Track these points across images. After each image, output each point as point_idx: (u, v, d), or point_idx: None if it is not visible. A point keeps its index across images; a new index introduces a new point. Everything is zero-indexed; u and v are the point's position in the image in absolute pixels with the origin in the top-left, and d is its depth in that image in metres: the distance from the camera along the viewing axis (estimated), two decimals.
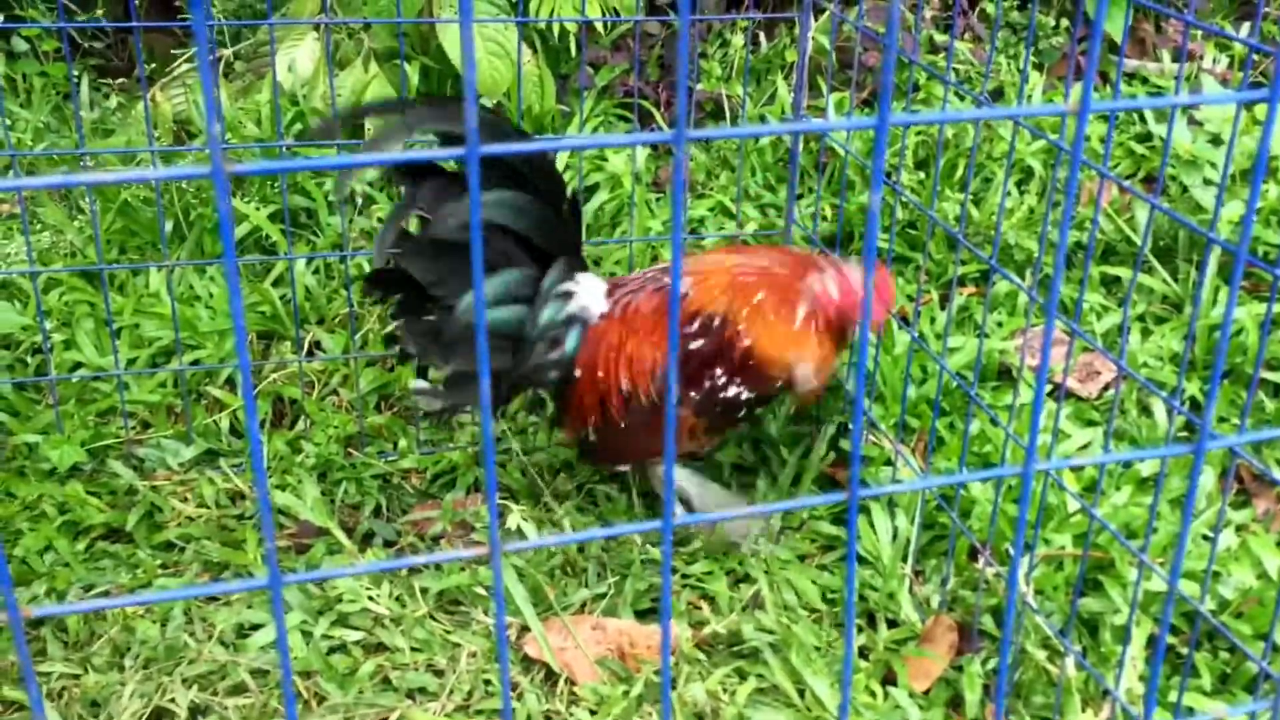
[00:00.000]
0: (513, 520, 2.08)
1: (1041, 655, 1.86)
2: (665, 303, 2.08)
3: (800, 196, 3.34)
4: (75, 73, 3.69)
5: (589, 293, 2.12)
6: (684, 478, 2.25)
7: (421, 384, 2.10)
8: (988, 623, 1.99)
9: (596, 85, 3.65)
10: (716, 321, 2.06)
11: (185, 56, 3.38)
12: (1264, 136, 0.81)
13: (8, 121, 3.42)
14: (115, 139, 3.30)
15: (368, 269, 2.62)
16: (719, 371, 2.06)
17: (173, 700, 1.84)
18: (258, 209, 2.90)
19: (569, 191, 2.04)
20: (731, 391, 2.07)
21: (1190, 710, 1.80)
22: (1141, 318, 2.79)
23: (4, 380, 2.46)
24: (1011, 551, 1.94)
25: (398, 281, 2.01)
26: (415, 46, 3.25)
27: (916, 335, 2.21)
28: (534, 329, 2.07)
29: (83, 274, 2.81)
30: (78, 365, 2.63)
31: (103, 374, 2.53)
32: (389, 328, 2.10)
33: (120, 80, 3.87)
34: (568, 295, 2.10)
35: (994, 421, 2.17)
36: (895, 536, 2.14)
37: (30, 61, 3.72)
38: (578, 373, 2.11)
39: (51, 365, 2.50)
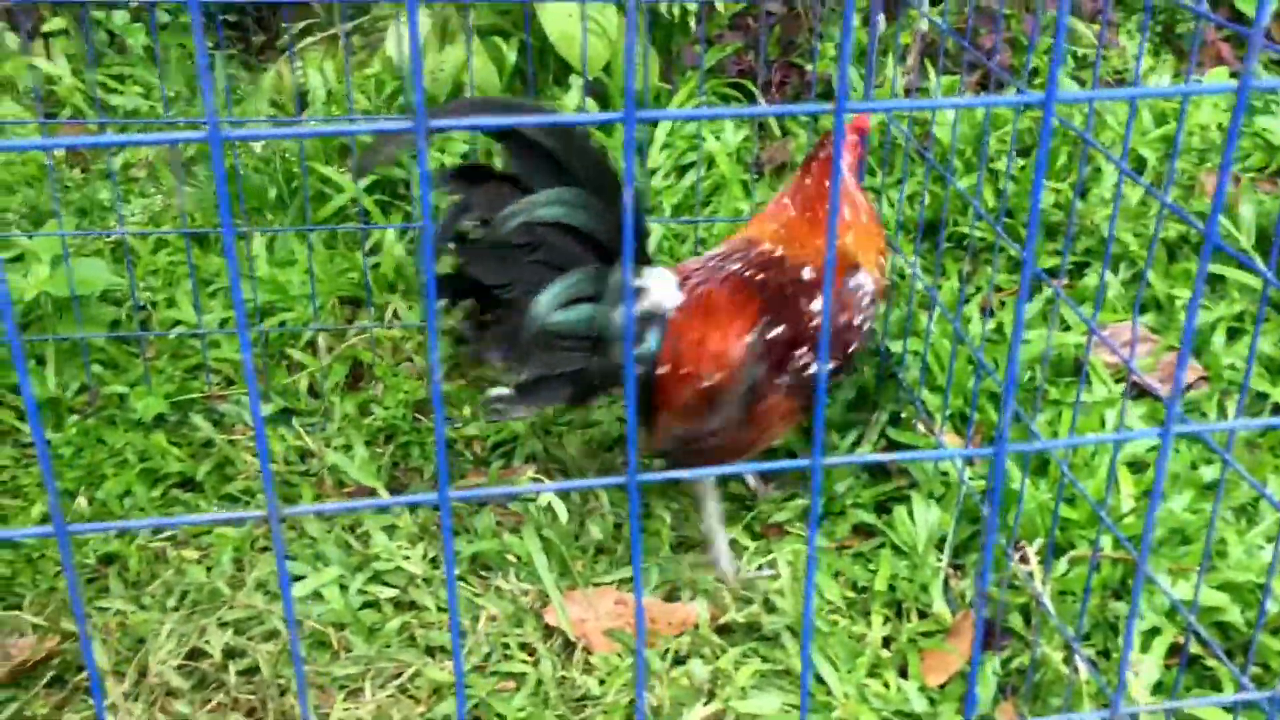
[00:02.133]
0: (544, 497, 2.12)
1: (1058, 657, 1.81)
2: (738, 290, 2.05)
3: (900, 181, 3.28)
4: (208, 44, 3.88)
5: (660, 286, 2.06)
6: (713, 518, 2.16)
7: (501, 390, 2.07)
8: (1015, 621, 1.94)
9: (705, 64, 3.64)
10: (791, 298, 2.05)
11: (299, 29, 3.51)
12: None
13: (141, 90, 3.63)
14: (242, 108, 3.46)
15: None
16: (803, 350, 2.03)
17: (208, 642, 1.94)
18: (354, 180, 3.00)
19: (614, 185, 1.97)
20: (815, 366, 2.03)
21: None
22: (1240, 317, 2.66)
23: (102, 334, 2.62)
24: (1035, 549, 1.89)
25: (466, 288, 1.99)
26: (516, 24, 3.30)
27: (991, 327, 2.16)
28: (612, 328, 2.01)
29: (188, 235, 2.96)
30: (177, 323, 2.78)
31: (191, 332, 2.67)
32: (455, 325, 2.08)
33: (257, 50, 4.05)
34: (639, 291, 2.05)
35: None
36: (939, 531, 2.10)
37: (173, 33, 3.93)
38: (661, 370, 2.05)
39: (152, 323, 2.65)
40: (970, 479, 2.19)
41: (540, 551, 2.04)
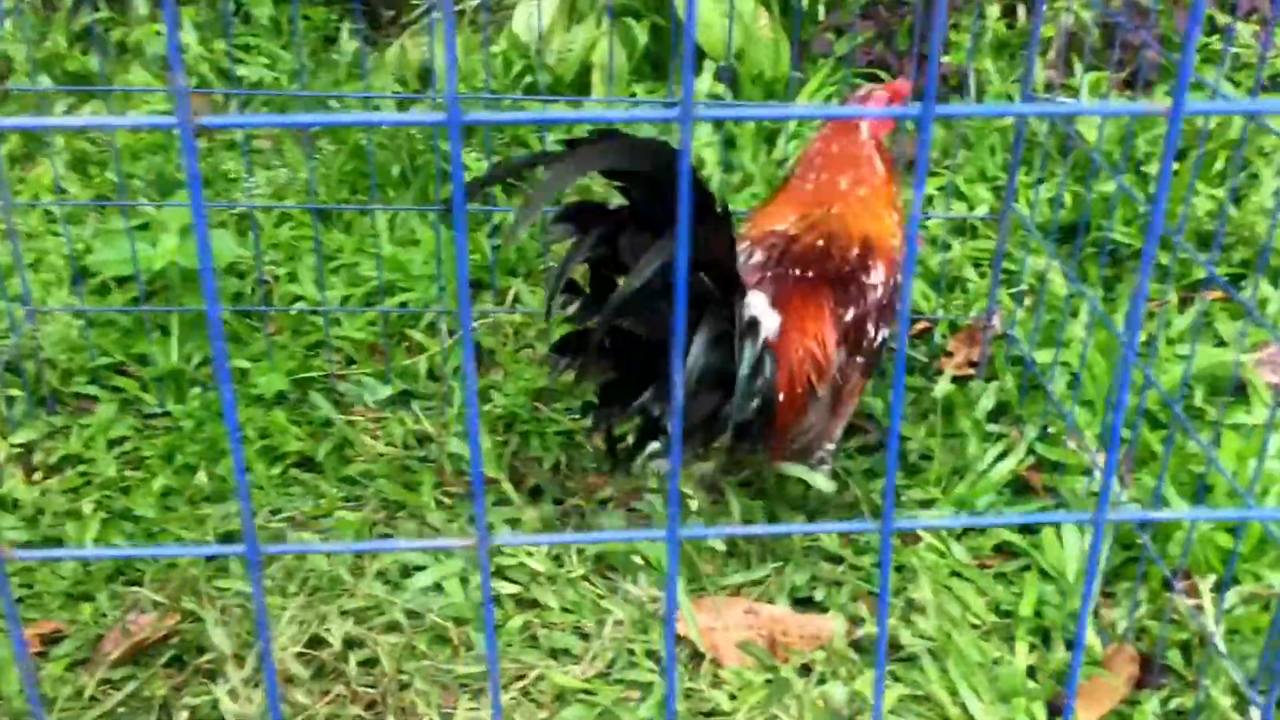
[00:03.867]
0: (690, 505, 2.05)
1: (1227, 703, 1.68)
2: (809, 293, 2.03)
3: (1041, 181, 3.15)
4: (335, 17, 3.85)
5: (762, 312, 1.99)
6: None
7: (655, 446, 1.99)
8: (1174, 658, 1.82)
9: (835, 52, 3.53)
10: (850, 277, 2.05)
11: (425, 7, 3.46)
12: None
13: (267, 61, 3.61)
14: (367, 83, 3.43)
15: None
16: (870, 327, 2.05)
17: (328, 630, 1.90)
18: (479, 159, 2.95)
19: (720, 208, 1.86)
20: (881, 336, 2.08)
21: None
22: None
23: (226, 307, 2.59)
24: (1207, 583, 1.77)
25: (599, 348, 1.86)
26: (649, 5, 3.22)
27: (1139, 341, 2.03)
28: (745, 366, 1.92)
29: (312, 210, 2.93)
30: (298, 298, 2.75)
31: (314, 309, 2.63)
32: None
33: (385, 25, 4.02)
34: (755, 323, 1.96)
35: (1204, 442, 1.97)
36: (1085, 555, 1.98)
37: (300, 3, 3.91)
38: (781, 396, 1.98)
39: (273, 297, 2.63)
40: (1126, 500, 2.07)
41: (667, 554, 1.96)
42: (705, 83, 3.18)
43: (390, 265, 2.75)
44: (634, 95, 3.29)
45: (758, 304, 2.00)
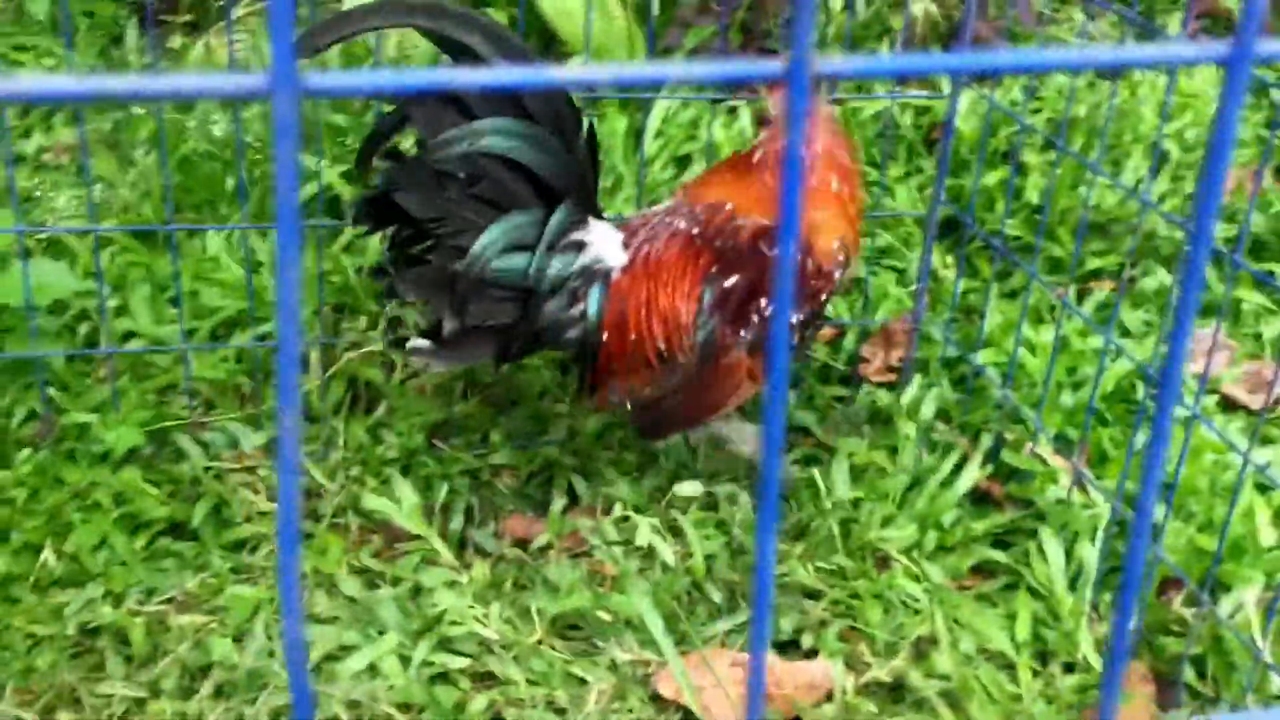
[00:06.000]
0: (643, 536, 1.82)
1: None
2: (686, 248, 1.92)
3: (908, 175, 3.07)
4: (124, 14, 3.41)
5: (604, 242, 1.92)
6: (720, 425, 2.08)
7: (419, 343, 1.89)
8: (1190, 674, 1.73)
9: (685, 46, 3.36)
10: (746, 246, 1.91)
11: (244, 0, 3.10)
12: None
13: (51, 63, 3.16)
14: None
15: None
16: (764, 301, 1.90)
17: None
18: (329, 166, 2.62)
19: (584, 124, 1.86)
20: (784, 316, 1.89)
21: None
22: None
23: (55, 351, 2.19)
24: (1203, 589, 1.68)
25: (396, 213, 1.81)
26: None
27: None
28: (543, 282, 1.86)
29: (135, 234, 2.54)
30: (130, 335, 2.36)
31: (164, 348, 2.26)
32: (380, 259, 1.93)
33: (179, 19, 3.59)
34: (579, 245, 1.89)
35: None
36: (1074, 568, 1.87)
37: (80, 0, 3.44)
38: (605, 335, 1.90)
39: (105, 335, 2.24)
40: (1083, 507, 1.98)
41: (650, 609, 1.73)
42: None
43: (242, 293, 2.39)
44: None
45: (604, 235, 1.92)
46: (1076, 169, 2.94)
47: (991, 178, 2.87)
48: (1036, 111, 3.07)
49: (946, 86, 3.11)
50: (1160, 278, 2.61)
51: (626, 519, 1.92)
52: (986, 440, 2.09)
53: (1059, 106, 3.04)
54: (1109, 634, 1.82)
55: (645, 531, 1.84)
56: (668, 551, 1.84)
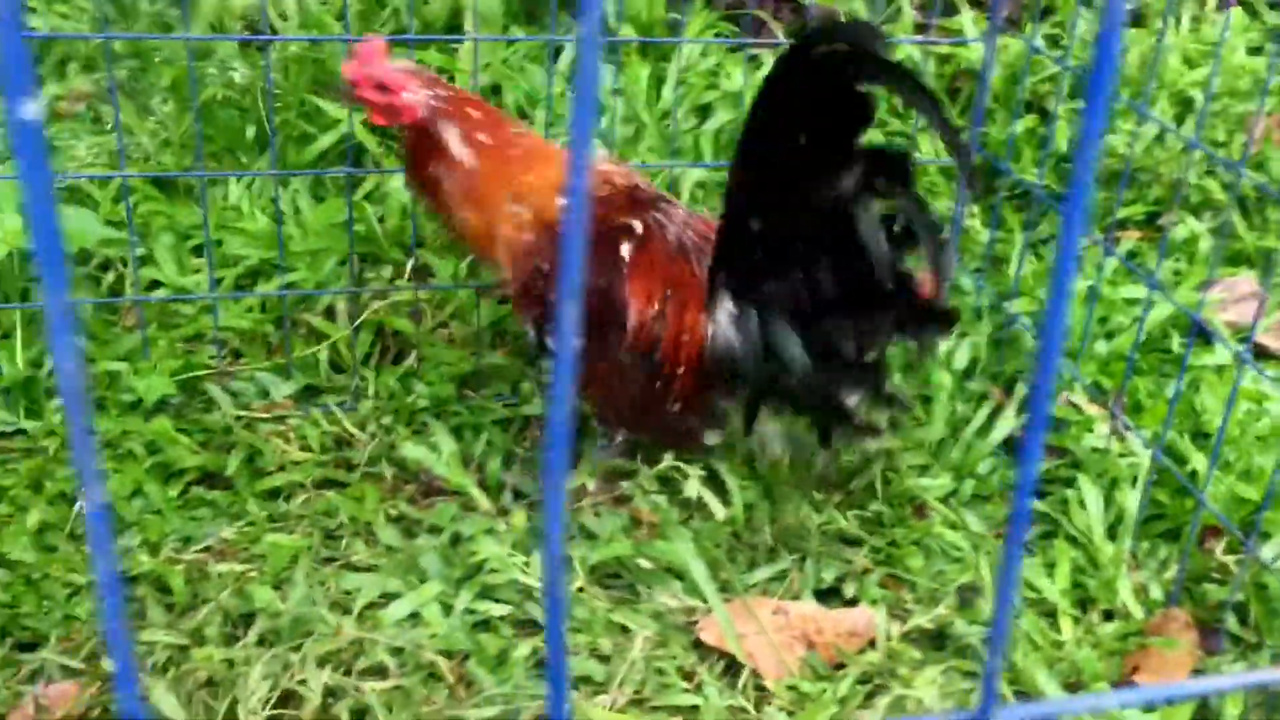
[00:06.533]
0: (691, 488, 1.81)
1: None
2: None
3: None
4: None
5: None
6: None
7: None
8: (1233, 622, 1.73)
9: None
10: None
11: None
12: None
13: (65, 11, 3.11)
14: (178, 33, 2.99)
15: None
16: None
17: (303, 682, 1.58)
18: (349, 113, 2.59)
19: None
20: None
21: None
22: None
23: (83, 299, 2.17)
24: (1245, 536, 1.68)
25: None
26: None
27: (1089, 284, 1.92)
28: None
29: (156, 182, 2.51)
30: (155, 284, 2.34)
31: (191, 296, 2.24)
32: None
33: None
34: None
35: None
36: (1113, 515, 1.87)
37: None
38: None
39: (133, 284, 2.22)
40: (1120, 455, 1.97)
41: (694, 557, 1.73)
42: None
43: (267, 242, 2.37)
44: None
45: None
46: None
47: (1018, 126, 2.84)
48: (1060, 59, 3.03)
49: (972, 31, 3.09)
50: (1191, 225, 2.59)
51: (676, 469, 1.90)
52: (1021, 390, 2.08)
53: (1082, 55, 3.00)
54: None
55: (694, 484, 1.83)
56: (715, 502, 1.83)
